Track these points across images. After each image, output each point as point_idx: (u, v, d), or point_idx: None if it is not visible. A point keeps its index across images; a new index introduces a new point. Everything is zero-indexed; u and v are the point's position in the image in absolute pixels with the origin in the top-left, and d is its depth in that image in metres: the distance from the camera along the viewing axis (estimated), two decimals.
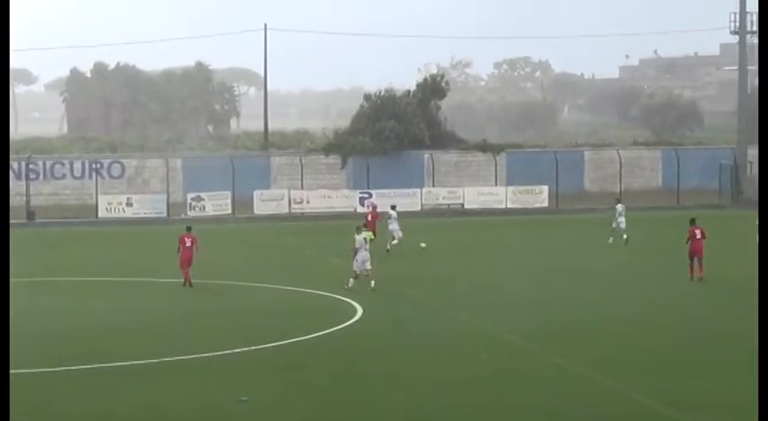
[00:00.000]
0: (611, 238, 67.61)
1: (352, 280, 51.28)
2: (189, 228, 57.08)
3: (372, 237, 56.70)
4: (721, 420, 29.51)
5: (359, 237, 51.84)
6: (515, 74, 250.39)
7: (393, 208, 70.46)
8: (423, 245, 64.37)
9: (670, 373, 34.30)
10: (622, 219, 68.93)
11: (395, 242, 67.07)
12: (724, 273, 55.25)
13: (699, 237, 55.26)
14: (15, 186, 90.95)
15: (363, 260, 51.48)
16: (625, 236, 67.54)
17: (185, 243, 54.53)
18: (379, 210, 69.86)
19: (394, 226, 67.84)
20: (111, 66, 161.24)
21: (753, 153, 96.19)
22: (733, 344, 38.95)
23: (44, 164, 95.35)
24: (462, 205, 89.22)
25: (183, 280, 53.92)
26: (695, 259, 54.90)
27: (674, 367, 35.49)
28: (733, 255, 59.92)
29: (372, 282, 51.08)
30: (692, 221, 56.45)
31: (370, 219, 66.33)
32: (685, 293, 51.06)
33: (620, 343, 39.75)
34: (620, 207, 70.33)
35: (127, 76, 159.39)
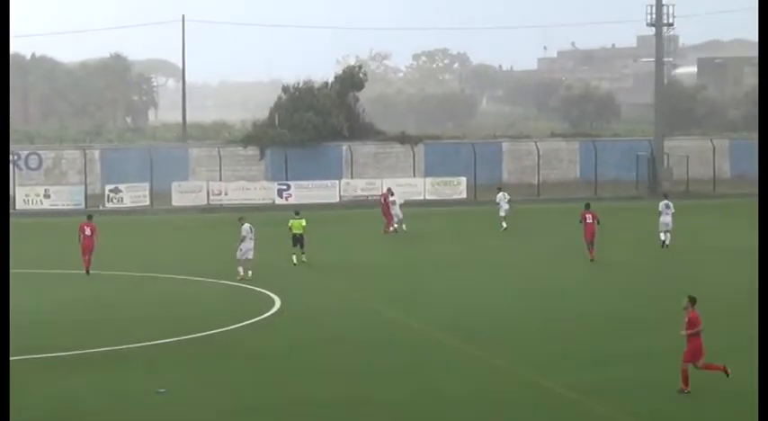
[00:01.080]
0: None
1: (240, 270, 51.89)
2: (90, 217, 58.00)
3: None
4: (635, 407, 29.77)
5: (245, 227, 52.56)
6: (434, 66, 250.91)
7: (391, 193, 74.24)
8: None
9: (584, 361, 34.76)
10: (506, 207, 72.34)
11: (402, 224, 71.07)
12: (628, 259, 57.87)
13: (590, 220, 58.27)
14: None
15: (247, 249, 52.19)
16: (504, 224, 70.80)
17: (85, 231, 55.06)
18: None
19: (396, 209, 71.62)
20: (28, 57, 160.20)
21: (669, 145, 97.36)
22: (637, 332, 39.46)
23: None
24: (379, 197, 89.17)
25: (85, 268, 54.53)
26: (589, 242, 57.98)
27: (585, 355, 35.94)
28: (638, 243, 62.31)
29: (249, 272, 51.81)
30: (587, 206, 59.92)
31: (383, 204, 71.34)
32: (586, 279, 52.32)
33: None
34: (500, 195, 73.18)
35: (44, 68, 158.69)
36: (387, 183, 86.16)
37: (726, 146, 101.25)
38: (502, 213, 71.60)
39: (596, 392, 31.52)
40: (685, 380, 31.12)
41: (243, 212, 66.89)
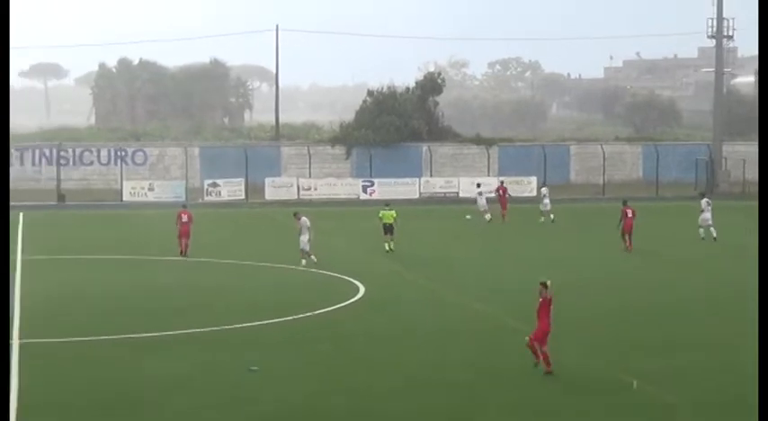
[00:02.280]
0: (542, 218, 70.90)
1: (309, 258, 52.25)
2: (185, 206, 60.57)
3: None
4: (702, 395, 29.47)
5: (303, 220, 52.88)
6: (507, 73, 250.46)
7: (478, 185, 77.35)
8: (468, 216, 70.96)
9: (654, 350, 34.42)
10: (547, 202, 73.25)
11: (488, 216, 72.85)
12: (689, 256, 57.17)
13: (630, 215, 59.03)
14: (47, 171, 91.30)
15: (306, 240, 52.57)
16: (552, 216, 71.88)
17: (182, 218, 56.55)
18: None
19: (482, 201, 73.54)
20: (135, 61, 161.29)
21: (727, 149, 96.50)
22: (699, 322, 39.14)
23: (74, 151, 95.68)
24: (457, 194, 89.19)
25: (181, 252, 55.92)
26: (626, 235, 58.65)
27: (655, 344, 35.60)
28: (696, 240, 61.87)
29: (303, 261, 52.29)
30: (624, 202, 60.62)
31: (501, 195, 74.76)
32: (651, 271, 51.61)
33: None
34: (544, 190, 74.99)
35: (149, 72, 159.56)
36: (463, 182, 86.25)
37: None
38: (542, 208, 72.69)
39: (665, 380, 31.26)
40: (535, 354, 30.91)
41: (330, 207, 66.83)
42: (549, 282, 31.46)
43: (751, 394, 26.02)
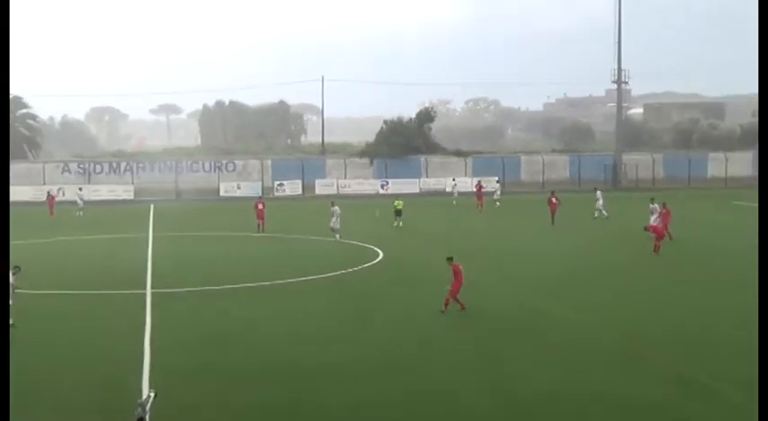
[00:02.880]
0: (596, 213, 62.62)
1: (337, 236, 51.99)
2: (260, 198, 62.88)
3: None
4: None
5: (334, 208, 52.97)
6: (478, 107, 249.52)
7: (498, 181, 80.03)
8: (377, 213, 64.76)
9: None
10: (600, 201, 62.68)
11: (498, 204, 72.79)
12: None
13: (555, 202, 59.49)
14: (169, 177, 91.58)
15: (335, 222, 52.51)
16: (605, 212, 62.04)
17: (258, 206, 57.68)
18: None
19: (498, 194, 75.31)
20: (227, 102, 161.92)
21: (625, 157, 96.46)
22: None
23: (186, 163, 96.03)
24: (445, 189, 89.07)
25: (258, 229, 56.48)
26: (553, 215, 58.37)
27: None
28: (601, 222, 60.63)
29: (337, 236, 51.97)
30: (552, 193, 61.10)
31: (478, 191, 73.25)
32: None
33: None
34: (598, 193, 63.97)
35: (236, 109, 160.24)
36: (448, 182, 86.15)
37: (660, 158, 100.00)
38: (597, 206, 62.28)
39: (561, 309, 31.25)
40: (457, 302, 31.04)
41: (358, 199, 67.13)
42: (452, 257, 31.85)
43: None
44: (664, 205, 49.76)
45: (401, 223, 58.69)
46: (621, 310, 31.58)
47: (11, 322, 27.45)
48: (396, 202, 61.03)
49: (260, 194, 75.07)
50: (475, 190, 75.09)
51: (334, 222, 52.66)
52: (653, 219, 48.75)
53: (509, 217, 66.50)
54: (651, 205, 50.98)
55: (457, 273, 31.27)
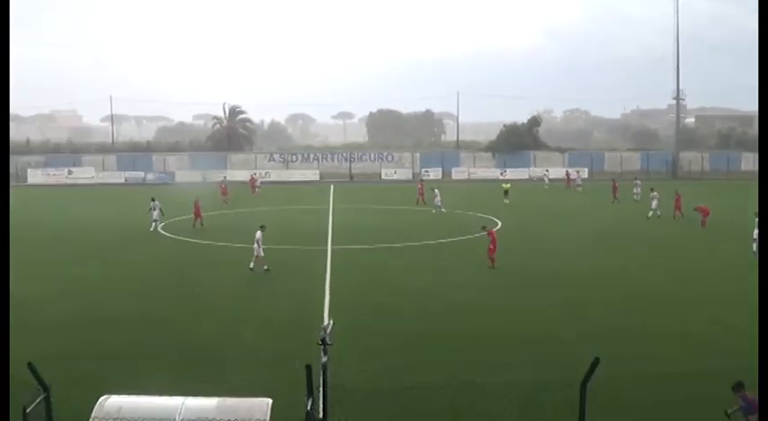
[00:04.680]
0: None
1: (443, 210, 51.32)
2: (422, 180, 65.20)
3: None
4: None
5: (436, 191, 52.50)
6: (573, 115, 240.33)
7: (578, 172, 75.95)
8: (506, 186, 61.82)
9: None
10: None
11: (580, 189, 69.27)
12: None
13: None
14: (344, 164, 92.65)
15: (438, 201, 51.75)
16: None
17: (420, 189, 57.55)
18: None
19: (579, 181, 70.65)
20: (387, 110, 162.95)
21: (682, 155, 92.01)
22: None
23: (357, 154, 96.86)
24: (541, 177, 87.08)
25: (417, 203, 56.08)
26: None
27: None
28: None
29: (443, 209, 51.27)
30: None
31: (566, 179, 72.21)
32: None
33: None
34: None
35: (393, 116, 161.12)
36: (543, 172, 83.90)
37: (707, 156, 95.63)
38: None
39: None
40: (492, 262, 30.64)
41: (483, 183, 65.72)
42: (486, 226, 33.14)
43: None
44: (676, 192, 48.06)
45: (508, 201, 57.70)
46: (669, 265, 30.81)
47: (266, 268, 29.96)
48: (504, 185, 60.70)
49: (411, 178, 74.96)
50: (564, 177, 75.90)
51: (437, 201, 52.22)
52: (654, 204, 47.69)
53: (585, 197, 64.79)
54: (651, 193, 48.85)
55: (493, 239, 31.15)
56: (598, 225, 45.15)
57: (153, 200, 43.75)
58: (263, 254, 30.40)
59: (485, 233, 32.20)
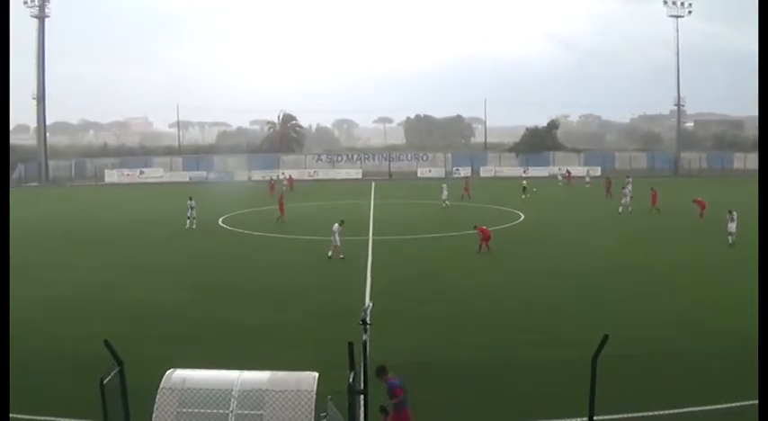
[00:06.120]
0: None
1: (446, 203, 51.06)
2: (466, 178, 63.99)
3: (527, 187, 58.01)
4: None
5: (444, 185, 52.46)
6: (587, 119, 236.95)
7: (587, 170, 76.24)
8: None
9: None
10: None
11: (588, 185, 67.38)
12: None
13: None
14: (384, 164, 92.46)
15: (446, 195, 51.41)
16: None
17: (466, 185, 57.61)
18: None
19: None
20: (422, 115, 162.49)
21: (683, 155, 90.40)
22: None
23: (395, 155, 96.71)
24: (569, 173, 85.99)
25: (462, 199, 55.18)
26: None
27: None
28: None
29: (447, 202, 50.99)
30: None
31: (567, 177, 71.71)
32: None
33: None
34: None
35: (427, 121, 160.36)
36: (557, 170, 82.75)
37: (704, 156, 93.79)
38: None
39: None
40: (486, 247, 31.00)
41: (507, 181, 65.18)
42: (477, 225, 32.56)
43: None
44: (652, 189, 46.45)
45: (526, 196, 57.02)
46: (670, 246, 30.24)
47: (341, 256, 30.08)
48: (523, 182, 60.77)
49: (444, 176, 74.53)
50: (566, 175, 76.12)
51: (446, 195, 51.59)
52: (625, 200, 45.94)
53: (588, 193, 63.12)
54: (623, 190, 47.32)
55: (484, 233, 31.44)
56: (582, 216, 44.49)
57: (190, 198, 41.73)
58: (339, 244, 30.69)
59: (476, 231, 32.42)
